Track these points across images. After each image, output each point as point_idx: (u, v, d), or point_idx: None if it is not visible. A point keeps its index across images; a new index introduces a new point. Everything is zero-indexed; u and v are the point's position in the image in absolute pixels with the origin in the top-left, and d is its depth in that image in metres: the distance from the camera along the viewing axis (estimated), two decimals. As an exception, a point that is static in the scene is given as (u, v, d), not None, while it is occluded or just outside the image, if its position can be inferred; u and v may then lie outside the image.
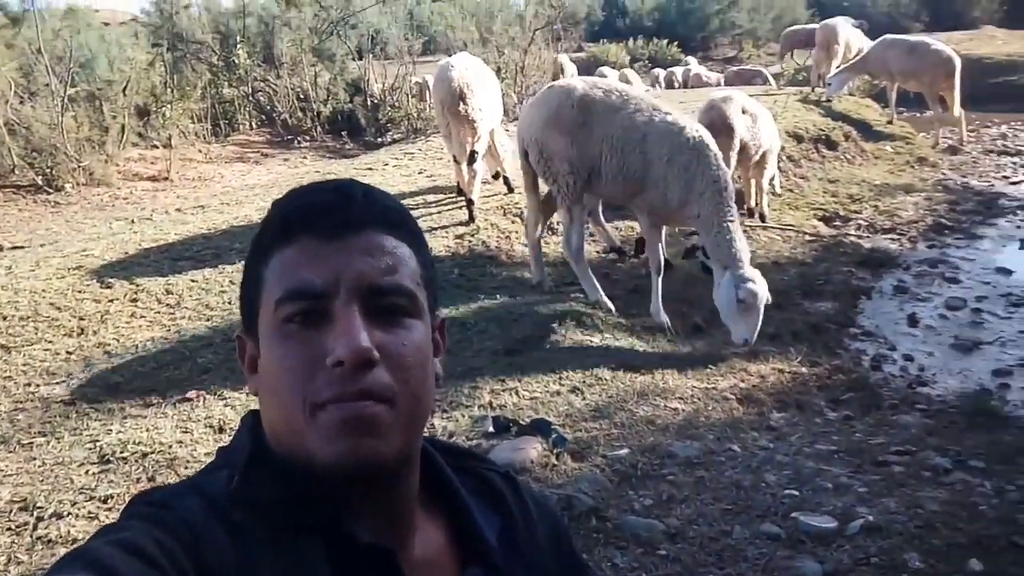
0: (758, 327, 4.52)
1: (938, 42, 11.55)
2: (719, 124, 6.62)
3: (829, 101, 11.00)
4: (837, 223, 7.55)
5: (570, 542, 0.90)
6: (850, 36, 13.06)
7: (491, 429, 3.56)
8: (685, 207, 4.65)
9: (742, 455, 3.47)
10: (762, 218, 7.32)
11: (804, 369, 4.51)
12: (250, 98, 11.08)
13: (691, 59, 21.23)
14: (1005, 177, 9.68)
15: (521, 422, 3.64)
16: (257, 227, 0.80)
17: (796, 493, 3.14)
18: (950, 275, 6.33)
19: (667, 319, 4.89)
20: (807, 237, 7.05)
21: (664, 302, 5.03)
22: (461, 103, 5.69)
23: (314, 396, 0.66)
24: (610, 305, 5.02)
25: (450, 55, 7.87)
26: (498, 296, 5.13)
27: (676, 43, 27.02)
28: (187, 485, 0.71)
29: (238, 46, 10.33)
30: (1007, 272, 6.35)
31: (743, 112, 6.79)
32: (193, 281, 5.26)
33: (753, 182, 7.29)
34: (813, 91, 12.20)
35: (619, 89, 4.95)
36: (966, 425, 3.81)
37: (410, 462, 0.74)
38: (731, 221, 4.54)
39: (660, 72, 18.13)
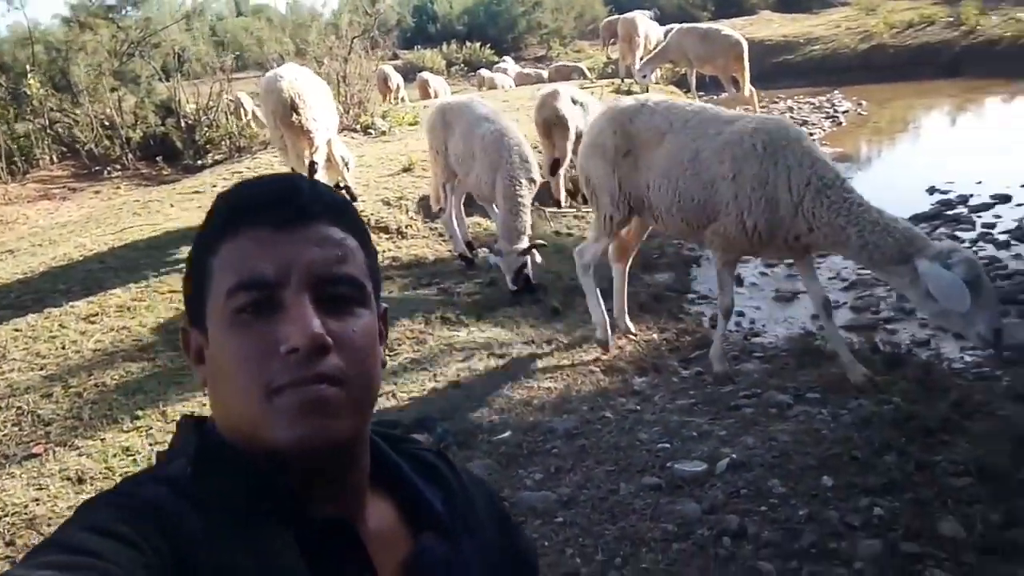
0: (996, 302, 3.39)
1: (727, 28, 12.71)
2: (553, 118, 7.04)
3: (646, 90, 11.78)
4: (663, 201, 8.12)
5: (505, 510, 0.95)
6: (649, 28, 14.07)
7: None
8: (785, 230, 3.75)
9: (615, 420, 3.71)
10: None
11: (655, 336, 4.86)
12: (48, 130, 10.14)
13: (508, 59, 21.88)
14: (796, 146, 10.82)
15: (405, 422, 3.67)
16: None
17: (668, 445, 3.42)
18: (765, 236, 7.02)
19: (728, 366, 4.20)
20: (639, 216, 7.54)
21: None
22: (294, 113, 5.58)
23: (270, 382, 0.68)
24: (607, 332, 4.52)
25: (266, 70, 7.66)
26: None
27: (489, 45, 27.71)
28: (143, 476, 0.72)
29: (28, 76, 9.41)
30: (810, 228, 7.13)
31: (573, 103, 7.21)
32: (17, 330, 4.80)
33: None
34: (623, 81, 13.02)
35: (667, 107, 4.22)
36: (798, 365, 4.28)
37: (362, 442, 0.78)
38: (865, 210, 3.58)
39: (485, 73, 18.60)
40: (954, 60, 15.18)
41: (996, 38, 14.77)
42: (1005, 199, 7.02)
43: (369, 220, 6.33)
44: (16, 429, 3.91)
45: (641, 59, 12.91)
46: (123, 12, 10.85)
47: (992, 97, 12.94)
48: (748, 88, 12.12)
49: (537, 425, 3.68)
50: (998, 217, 6.66)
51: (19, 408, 4.08)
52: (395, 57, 25.99)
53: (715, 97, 13.73)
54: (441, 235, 6.40)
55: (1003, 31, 14.79)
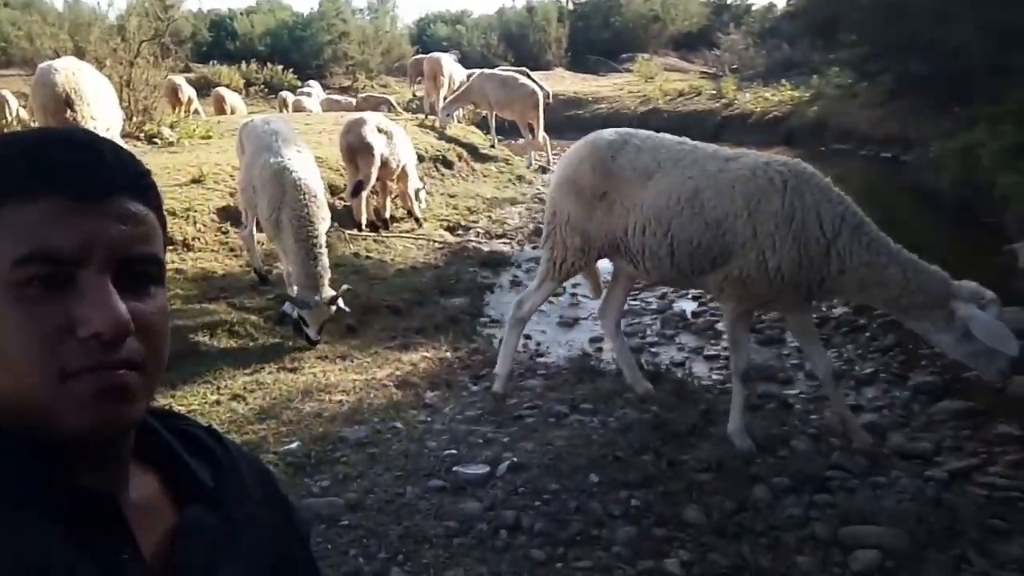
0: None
1: (524, 78, 13.53)
2: (357, 144, 7.14)
3: (444, 128, 12.18)
4: (460, 231, 8.46)
5: (276, 483, 0.95)
6: (453, 69, 14.61)
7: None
8: (813, 272, 3.41)
9: (405, 430, 3.82)
10: (417, 221, 8.25)
11: (449, 354, 5.04)
12: None
13: (314, 83, 21.56)
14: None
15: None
16: None
17: (455, 451, 3.58)
18: (551, 269, 7.56)
19: (750, 443, 3.64)
20: (437, 244, 7.79)
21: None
22: (68, 109, 5.16)
23: (65, 366, 0.65)
24: (646, 385, 4.23)
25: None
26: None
27: (292, 69, 27.13)
28: None
29: None
30: (592, 263, 7.79)
31: (379, 131, 7.37)
32: None
33: (403, 192, 8.19)
34: (427, 117, 13.37)
35: (655, 144, 3.82)
36: (575, 380, 4.65)
37: None
38: (900, 249, 3.35)
39: (288, 96, 18.24)
40: (717, 127, 17.25)
41: (749, 112, 17.05)
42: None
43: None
44: None
45: (445, 98, 13.37)
46: None
47: (745, 162, 14.88)
48: (542, 135, 12.98)
49: (327, 435, 3.69)
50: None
51: None
52: (187, 69, 24.65)
53: (512, 142, 14.50)
54: (232, 249, 6.20)
55: (754, 105, 17.12)
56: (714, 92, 18.63)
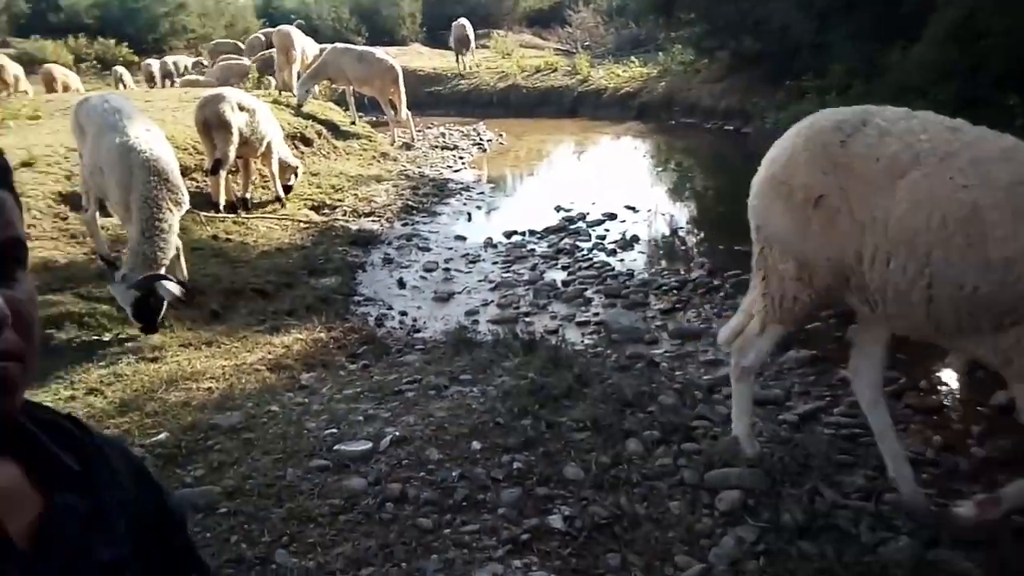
0: None
1: (381, 52, 13.28)
2: (215, 120, 6.78)
3: (301, 105, 11.73)
4: (326, 211, 8.24)
5: (145, 469, 0.94)
6: (305, 43, 14.09)
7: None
8: None
9: (282, 413, 3.72)
10: (279, 200, 7.94)
11: (323, 335, 4.94)
12: None
13: (154, 60, 20.13)
14: (449, 167, 11.74)
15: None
16: None
17: (335, 430, 3.53)
18: (423, 245, 7.53)
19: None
20: (303, 224, 7.56)
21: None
22: None
23: None
24: (753, 445, 3.26)
25: None
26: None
27: (126, 44, 25.21)
28: None
29: None
30: (462, 238, 7.84)
31: (240, 108, 7.03)
32: None
33: (267, 169, 7.90)
34: (280, 93, 12.83)
35: (908, 125, 2.56)
36: (453, 353, 4.69)
37: None
38: None
39: (123, 71, 17.05)
40: (573, 102, 17.69)
41: (603, 87, 17.58)
42: (612, 216, 8.42)
43: None
44: None
45: (299, 74, 12.88)
46: None
47: (601, 134, 15.33)
48: (405, 112, 12.81)
49: (197, 424, 3.53)
50: (607, 231, 7.97)
51: None
52: (5, 45, 22.40)
53: (375, 119, 14.22)
54: (74, 236, 5.74)
55: (608, 82, 17.67)
56: (569, 68, 19.04)
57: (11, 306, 0.66)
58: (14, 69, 13.81)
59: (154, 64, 18.85)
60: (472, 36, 20.06)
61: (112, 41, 25.32)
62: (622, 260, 7.00)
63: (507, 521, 2.92)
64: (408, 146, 12.81)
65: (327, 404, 3.84)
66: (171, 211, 4.66)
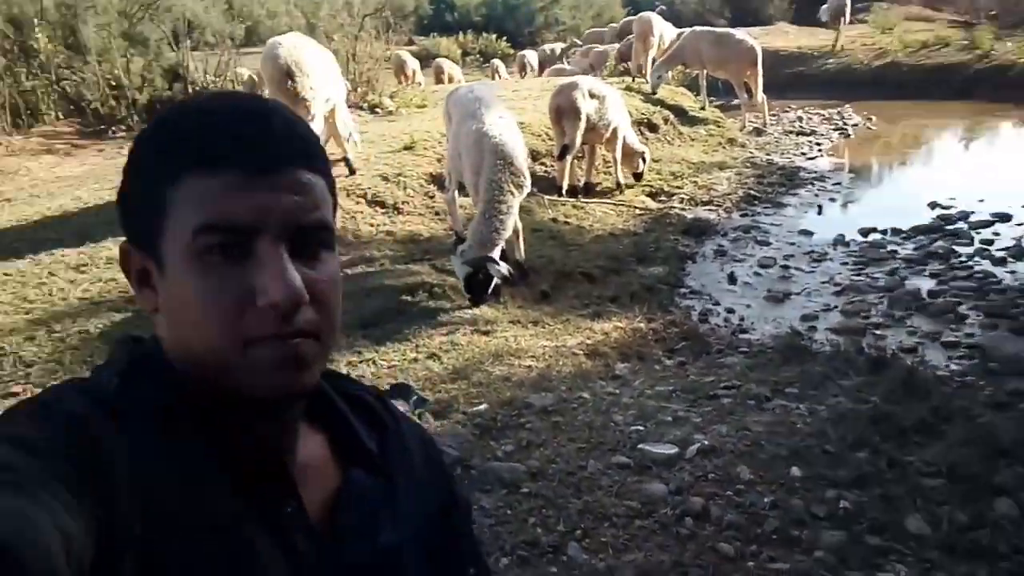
0: None
1: (742, 33, 12.67)
2: (566, 107, 7.12)
3: (655, 91, 11.74)
4: (663, 197, 8.12)
5: (439, 454, 0.95)
6: (664, 29, 14.02)
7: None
8: None
9: (592, 401, 3.70)
10: (619, 186, 8.02)
11: (643, 325, 4.84)
12: (54, 87, 10.11)
13: (530, 51, 21.92)
14: (803, 153, 10.84)
15: (382, 388, 3.66)
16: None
17: (641, 428, 3.41)
18: (761, 239, 7.02)
19: None
20: (638, 210, 7.54)
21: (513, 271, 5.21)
22: (290, 81, 5.54)
23: (246, 334, 0.68)
24: None
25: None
26: (348, 273, 5.09)
27: (505, 38, 27.70)
28: (70, 385, 0.70)
29: (36, 31, 9.39)
30: (808, 234, 7.14)
31: (591, 95, 7.26)
32: (7, 275, 4.79)
33: (611, 155, 8.04)
34: (634, 80, 12.97)
35: None
36: (781, 361, 4.27)
37: None
38: None
39: (500, 64, 18.93)
40: (966, 82, 15.11)
41: (1009, 63, 14.72)
42: (1005, 218, 7.00)
43: (366, 194, 6.33)
44: (-3, 370, 3.91)
45: (654, 60, 12.88)
46: (136, -26, 10.82)
47: (1001, 120, 12.89)
48: (760, 95, 12.10)
49: (513, 400, 3.67)
50: (996, 235, 6.65)
51: (2, 349, 4.08)
52: (411, 43, 26.02)
53: (725, 103, 13.70)
54: (438, 213, 6.39)
55: (1017, 56, 14.74)
56: (965, 43, 16.29)
57: (313, 287, 0.69)
58: (412, 64, 15.96)
59: (528, 54, 20.47)
60: (848, 9, 18.24)
61: (494, 36, 28.03)
62: (1013, 272, 5.77)
63: (824, 568, 2.53)
64: (759, 131, 12.10)
65: (637, 398, 3.73)
66: (512, 194, 4.89)
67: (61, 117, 10.23)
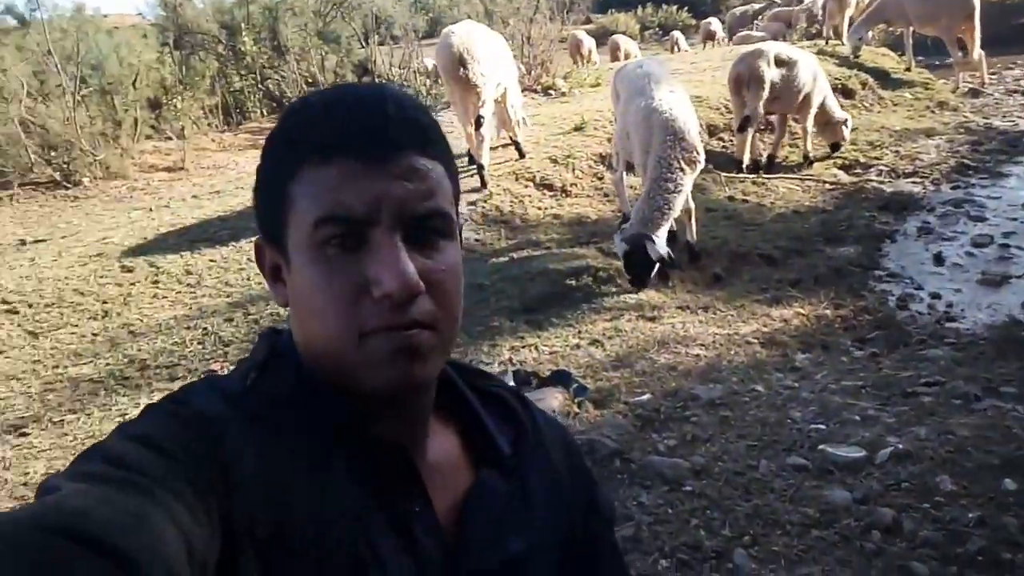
0: None
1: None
2: (748, 76, 6.73)
3: (856, 54, 10.74)
4: (857, 170, 7.40)
5: (582, 457, 0.90)
6: (863, -16, 12.77)
7: (511, 383, 3.55)
8: None
9: (766, 394, 3.43)
10: (806, 159, 7.47)
11: (828, 312, 4.44)
12: (259, 86, 11.08)
13: (714, 19, 21.01)
14: (1030, 115, 9.45)
15: (542, 375, 3.63)
16: None
17: (823, 427, 3.10)
18: (975, 214, 6.18)
19: None
20: (827, 185, 6.93)
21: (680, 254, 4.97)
22: (461, 68, 5.64)
23: (362, 325, 0.67)
24: None
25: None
26: (513, 257, 5.11)
27: (685, 7, 26.67)
28: (205, 382, 0.72)
29: (243, 34, 10.33)
30: (1036, 206, 6.20)
31: (779, 62, 6.87)
32: (212, 261, 5.30)
33: (800, 125, 7.53)
34: (827, 43, 11.95)
35: None
36: (995, 355, 3.73)
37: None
38: None
39: (679, 35, 18.40)
40: None
41: None
42: None
43: (534, 177, 6.33)
44: (200, 347, 4.33)
45: (851, 19, 11.79)
46: (329, -25, 11.57)
47: None
48: (977, 52, 10.69)
49: (679, 391, 3.48)
50: None
51: (205, 329, 4.52)
52: (588, 21, 25.82)
53: (936, 62, 12.26)
54: (606, 194, 6.25)
55: None
56: None
57: (429, 277, 0.68)
58: (588, 43, 15.80)
59: (713, 22, 19.57)
60: None
61: (674, 7, 27.10)
62: None
63: (1041, 601, 2.16)
64: (976, 92, 10.70)
65: (819, 393, 3.41)
66: (682, 171, 4.64)
67: (265, 114, 11.21)
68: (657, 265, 4.51)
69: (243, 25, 10.58)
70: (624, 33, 20.72)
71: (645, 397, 3.44)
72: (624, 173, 5.70)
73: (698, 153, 4.76)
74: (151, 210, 7.00)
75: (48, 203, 7.76)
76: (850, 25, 11.63)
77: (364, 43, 11.92)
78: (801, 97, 7.04)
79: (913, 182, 7.02)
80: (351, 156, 0.68)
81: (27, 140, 8.06)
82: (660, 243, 4.48)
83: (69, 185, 8.03)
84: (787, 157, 7.68)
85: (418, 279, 0.66)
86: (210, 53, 10.89)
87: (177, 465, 0.58)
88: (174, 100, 9.45)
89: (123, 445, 0.59)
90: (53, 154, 8.17)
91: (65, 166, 8.12)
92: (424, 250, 0.69)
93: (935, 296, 4.80)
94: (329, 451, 0.67)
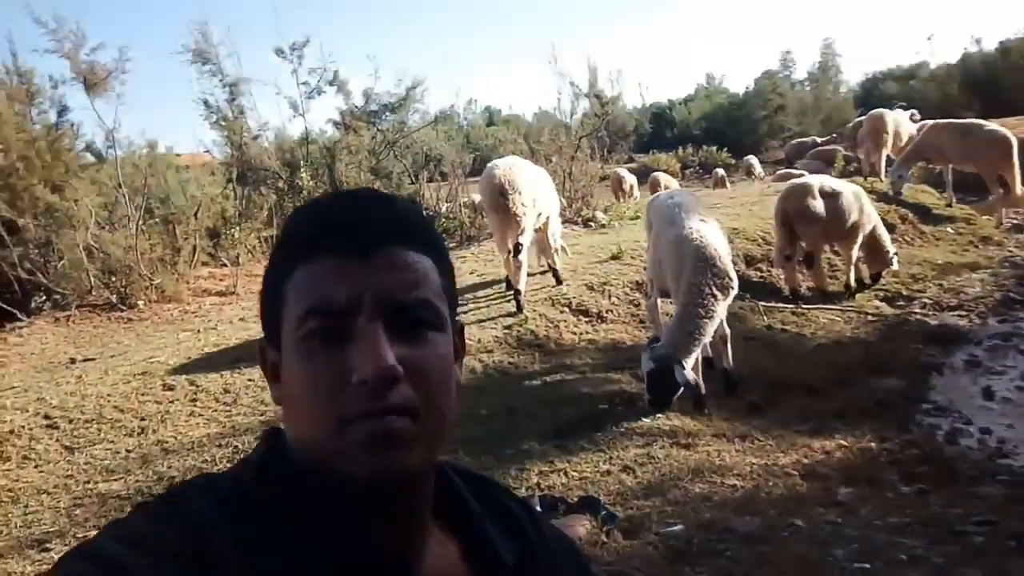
0: None
1: (992, 123, 11.43)
2: (796, 211, 6.91)
3: (898, 192, 10.87)
4: (900, 302, 7.31)
5: (590, 572, 0.88)
6: (899, 123, 13.05)
7: (538, 508, 3.44)
8: None
9: (807, 529, 3.25)
10: (848, 289, 7.42)
11: (873, 444, 4.26)
12: (314, 218, 11.61)
13: (752, 158, 21.70)
14: (1078, 250, 9.29)
15: (570, 501, 3.52)
16: None
17: (867, 566, 2.92)
18: (1025, 347, 6.00)
19: None
20: (870, 317, 6.83)
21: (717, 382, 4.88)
22: (502, 198, 5.89)
23: (341, 413, 0.67)
24: None
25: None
26: (546, 381, 5.08)
27: (725, 148, 27.55)
28: (199, 481, 0.73)
29: (301, 170, 10.97)
30: (1089, 342, 5.99)
31: (824, 194, 7.05)
32: (250, 380, 5.39)
33: (843, 254, 7.62)
34: (865, 179, 12.12)
35: None
36: (1054, 494, 3.50)
37: (430, 473, 0.75)
38: None
39: (722, 172, 19.05)
40: None
41: None
42: None
43: (571, 302, 6.39)
44: (229, 464, 4.31)
45: (887, 157, 11.99)
46: (383, 117, 12.31)
47: None
48: (1020, 188, 10.70)
49: (713, 523, 3.33)
50: None
51: (236, 447, 4.53)
52: (630, 160, 26.77)
53: (975, 200, 12.28)
54: (642, 321, 6.26)
55: None
56: None
57: (411, 364, 0.68)
58: (630, 179, 16.49)
59: (751, 159, 20.31)
60: None
61: (715, 147, 28.04)
62: None
63: None
64: (1020, 228, 10.64)
65: (863, 530, 3.22)
66: (714, 296, 4.64)
67: (319, 245, 11.67)
68: (681, 389, 4.44)
69: (303, 162, 11.25)
70: (665, 171, 21.40)
71: (677, 528, 3.29)
72: (658, 300, 5.73)
73: (730, 279, 4.78)
74: (199, 331, 7.21)
75: (102, 324, 8.07)
76: (887, 162, 11.82)
77: (414, 179, 12.50)
78: (848, 226, 7.12)
79: (958, 315, 6.89)
80: (335, 251, 0.70)
81: (89, 264, 8.50)
82: (687, 368, 4.43)
83: (124, 307, 8.37)
84: (829, 286, 7.63)
85: (395, 364, 0.66)
86: (270, 188, 11.54)
87: (164, 567, 0.59)
88: (232, 230, 9.94)
89: (109, 544, 0.61)
90: (113, 278, 8.57)
91: (123, 289, 8.49)
92: (410, 340, 0.69)
93: (985, 431, 4.59)
94: (318, 551, 0.66)
